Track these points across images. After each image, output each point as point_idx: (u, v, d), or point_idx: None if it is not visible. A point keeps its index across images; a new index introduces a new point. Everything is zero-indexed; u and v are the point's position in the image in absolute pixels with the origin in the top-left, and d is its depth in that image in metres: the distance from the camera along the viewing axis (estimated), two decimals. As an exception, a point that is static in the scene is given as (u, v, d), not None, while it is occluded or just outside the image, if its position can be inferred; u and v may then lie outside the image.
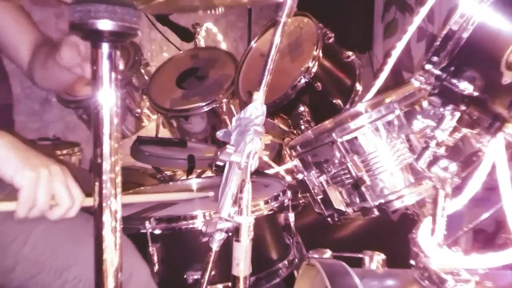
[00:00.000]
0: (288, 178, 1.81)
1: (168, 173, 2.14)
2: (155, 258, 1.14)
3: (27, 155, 0.95)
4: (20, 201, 0.92)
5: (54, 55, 1.15)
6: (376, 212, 1.03)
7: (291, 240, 1.33)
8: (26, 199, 0.92)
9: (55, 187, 0.94)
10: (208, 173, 1.86)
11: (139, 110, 2.24)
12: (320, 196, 1.09)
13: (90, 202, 0.99)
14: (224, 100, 2.03)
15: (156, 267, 1.14)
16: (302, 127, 1.67)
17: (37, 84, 1.36)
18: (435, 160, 0.83)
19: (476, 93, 0.77)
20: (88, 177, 0.68)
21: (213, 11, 0.87)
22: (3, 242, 1.03)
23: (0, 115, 1.27)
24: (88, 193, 0.97)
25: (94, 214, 0.65)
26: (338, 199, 1.07)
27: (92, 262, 0.97)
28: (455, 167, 0.81)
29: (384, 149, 1.01)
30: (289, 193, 1.31)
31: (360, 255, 1.13)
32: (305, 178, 1.10)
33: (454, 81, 0.78)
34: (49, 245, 1.03)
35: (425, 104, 0.99)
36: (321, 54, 1.62)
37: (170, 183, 1.72)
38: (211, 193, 1.32)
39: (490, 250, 0.84)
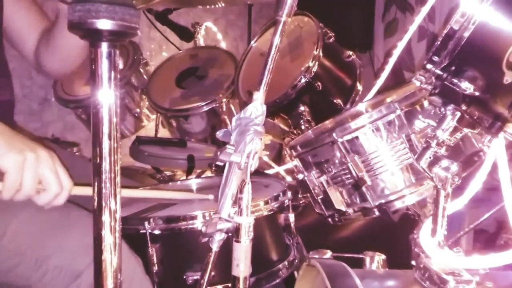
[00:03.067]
0: (288, 178, 1.82)
1: (168, 173, 2.14)
2: (155, 259, 1.14)
3: (14, 140, 0.94)
4: (6, 184, 0.91)
5: (58, 24, 1.14)
6: (377, 213, 1.04)
7: (291, 241, 1.33)
8: (11, 182, 0.91)
9: (42, 171, 0.94)
10: (208, 173, 1.86)
11: (138, 110, 2.24)
12: (321, 197, 1.09)
13: (80, 191, 1.00)
14: (224, 100, 2.03)
15: (156, 268, 1.14)
16: (302, 127, 1.67)
17: (44, 68, 1.32)
18: (436, 160, 0.83)
19: (477, 93, 0.77)
20: (87, 165, 0.67)
21: (212, 6, 0.87)
22: None
23: (2, 111, 1.27)
24: (86, 183, 0.96)
25: (94, 214, 0.65)
26: (338, 199, 1.08)
27: (72, 251, 0.99)
28: (456, 167, 0.81)
29: (385, 149, 1.01)
30: (289, 194, 1.31)
31: (360, 256, 1.13)
32: (306, 178, 1.10)
33: (455, 80, 0.78)
34: (29, 235, 1.02)
35: (426, 104, 0.99)
36: (321, 54, 1.62)
37: (170, 183, 1.72)
38: (210, 196, 1.32)
39: (492, 250, 0.84)
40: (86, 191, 0.99)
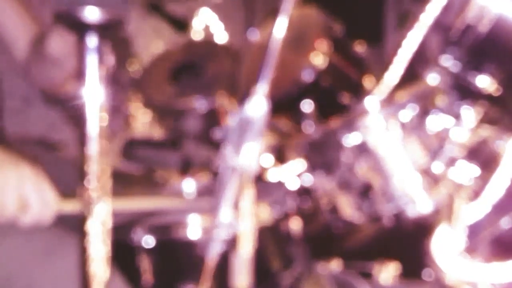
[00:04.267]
0: (292, 183, 1.81)
1: (161, 175, 2.14)
2: (147, 270, 1.14)
3: None
4: None
5: (42, 48, 1.15)
6: (388, 220, 1.04)
7: (295, 250, 1.33)
8: None
9: (25, 190, 0.94)
10: (205, 176, 1.86)
11: (129, 108, 2.24)
12: (326, 202, 1.09)
13: (68, 207, 1.00)
14: (222, 97, 2.03)
15: (148, 280, 1.14)
16: (307, 126, 1.67)
17: (32, 79, 1.35)
18: (451, 162, 0.83)
19: (496, 89, 0.77)
20: (74, 169, 0.67)
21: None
22: None
23: None
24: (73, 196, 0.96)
25: (80, 222, 0.65)
26: (345, 205, 1.08)
27: (59, 279, 0.99)
28: (474, 170, 0.81)
29: (396, 151, 1.01)
30: (292, 199, 1.31)
31: (370, 266, 1.13)
32: (310, 182, 1.10)
33: (472, 77, 0.78)
34: (14, 263, 1.02)
35: (440, 101, 0.99)
36: (327, 48, 1.62)
37: (163, 186, 1.72)
38: (206, 202, 1.32)
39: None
40: (74, 206, 0.99)
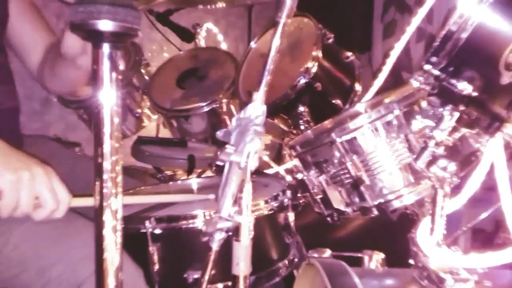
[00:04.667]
0: (288, 178, 1.81)
1: (169, 172, 2.14)
2: (155, 258, 1.14)
3: (9, 158, 0.95)
4: (2, 204, 0.92)
5: (59, 51, 1.15)
6: (375, 212, 1.04)
7: (291, 240, 1.33)
8: (7, 201, 0.92)
9: (38, 189, 0.94)
10: (209, 172, 1.86)
11: (139, 110, 2.24)
12: (320, 196, 1.09)
13: (79, 202, 1.00)
14: (224, 100, 2.03)
15: (156, 267, 1.14)
16: (302, 127, 1.67)
17: (47, 87, 1.35)
18: (434, 160, 0.83)
19: (475, 93, 0.77)
20: (89, 165, 0.67)
21: (213, 7, 0.86)
22: None
23: (8, 118, 1.27)
24: (85, 194, 0.96)
25: (95, 213, 0.65)
26: (337, 198, 1.08)
27: (74, 261, 0.99)
28: (454, 166, 0.81)
29: (383, 149, 1.01)
30: (288, 193, 1.31)
31: (359, 255, 1.13)
32: (305, 177, 1.10)
33: (453, 81, 0.78)
34: (31, 245, 1.02)
35: (424, 104, 0.99)
36: (320, 55, 1.62)
37: (170, 182, 1.72)
38: (211, 196, 1.32)
39: (489, 249, 0.84)
40: (86, 202, 0.99)
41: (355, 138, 1.01)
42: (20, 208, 0.93)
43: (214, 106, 2.02)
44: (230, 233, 0.75)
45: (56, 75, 1.27)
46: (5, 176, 0.92)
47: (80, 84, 1.31)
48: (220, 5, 0.84)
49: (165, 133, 2.29)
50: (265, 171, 1.79)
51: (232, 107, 2.09)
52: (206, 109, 2.03)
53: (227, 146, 0.73)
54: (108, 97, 0.62)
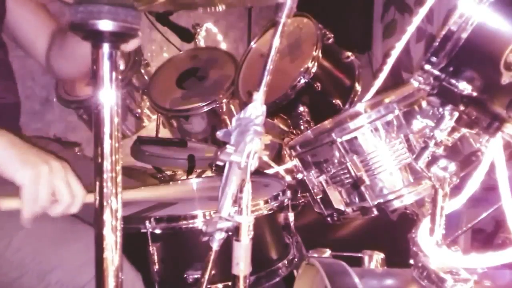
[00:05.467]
0: (288, 178, 1.81)
1: (168, 173, 2.14)
2: (155, 258, 1.14)
3: (27, 154, 0.95)
4: (24, 200, 0.92)
5: (61, 42, 1.14)
6: (375, 212, 1.03)
7: (291, 240, 1.33)
8: (29, 197, 0.92)
9: (55, 183, 0.94)
10: (209, 172, 1.86)
11: (139, 110, 2.24)
12: (320, 196, 1.09)
13: (92, 198, 1.00)
14: (224, 100, 2.03)
15: (157, 267, 1.14)
16: (302, 127, 1.67)
17: (56, 71, 1.33)
18: (434, 160, 0.83)
19: (475, 93, 0.77)
20: (89, 165, 0.67)
21: (213, 9, 0.86)
22: None
23: (9, 114, 1.27)
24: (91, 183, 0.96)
25: (95, 213, 0.65)
26: (337, 198, 1.07)
27: (74, 266, 0.99)
28: (454, 166, 0.81)
29: (383, 149, 1.01)
30: (288, 193, 1.31)
31: (359, 255, 1.13)
32: (305, 178, 1.10)
33: (453, 81, 0.78)
34: (32, 248, 1.02)
35: (424, 104, 0.99)
36: (320, 55, 1.62)
37: (170, 182, 1.72)
38: (210, 195, 1.32)
39: (489, 249, 0.84)
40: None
41: (355, 138, 1.01)
42: (39, 203, 0.93)
43: (214, 106, 2.02)
44: (230, 233, 0.75)
45: (66, 55, 1.25)
46: (25, 170, 0.91)
47: (83, 78, 1.29)
48: (221, 7, 0.83)
49: (165, 133, 2.29)
50: (265, 171, 1.80)
51: (232, 107, 2.09)
52: (206, 109, 2.03)
53: (227, 146, 0.73)
54: (108, 97, 0.62)
